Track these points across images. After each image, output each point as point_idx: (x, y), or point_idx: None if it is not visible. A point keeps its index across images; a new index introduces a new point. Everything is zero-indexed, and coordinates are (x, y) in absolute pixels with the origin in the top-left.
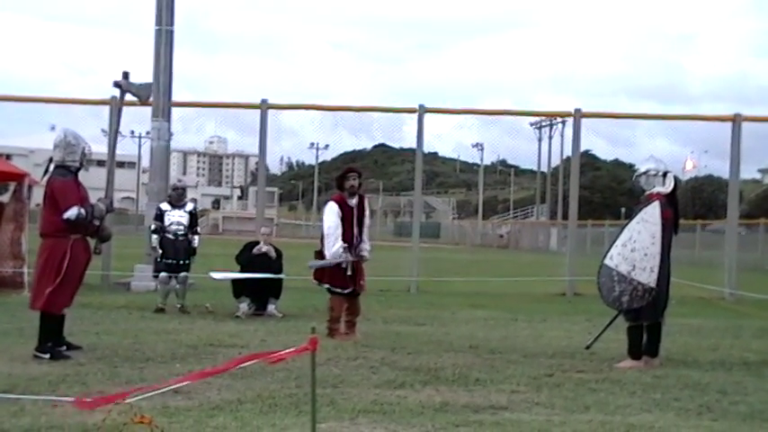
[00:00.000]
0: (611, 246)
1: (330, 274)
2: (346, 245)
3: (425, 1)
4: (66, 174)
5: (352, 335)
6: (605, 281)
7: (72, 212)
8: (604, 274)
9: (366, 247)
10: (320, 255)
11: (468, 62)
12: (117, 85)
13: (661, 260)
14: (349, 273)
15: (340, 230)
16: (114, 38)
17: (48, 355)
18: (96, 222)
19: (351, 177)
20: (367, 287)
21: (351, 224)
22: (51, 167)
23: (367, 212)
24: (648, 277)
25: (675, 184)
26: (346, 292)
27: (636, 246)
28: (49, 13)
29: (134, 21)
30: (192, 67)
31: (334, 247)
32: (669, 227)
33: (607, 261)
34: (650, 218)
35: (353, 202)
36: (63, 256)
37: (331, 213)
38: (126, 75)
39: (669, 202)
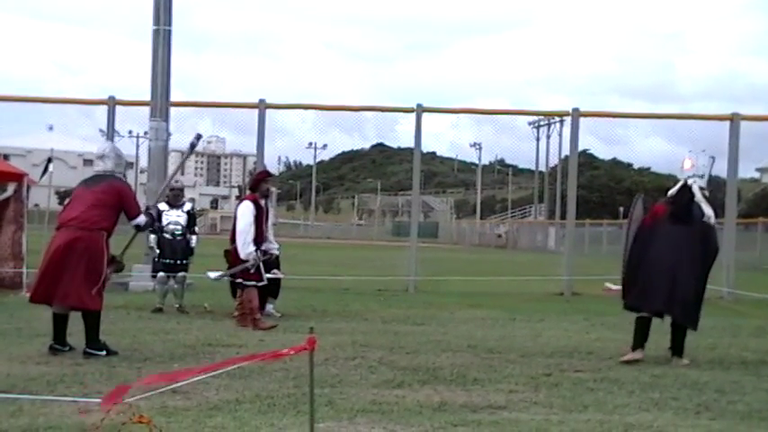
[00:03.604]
0: None
1: (243, 270)
2: (255, 247)
3: (417, 1)
4: (123, 181)
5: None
6: None
7: (141, 219)
8: None
9: (275, 245)
10: (233, 254)
11: (460, 62)
12: (192, 146)
13: (633, 248)
14: (252, 270)
15: (253, 229)
16: (106, 37)
17: (104, 352)
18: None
19: (268, 180)
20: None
21: (261, 223)
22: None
23: (271, 212)
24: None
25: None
26: (261, 284)
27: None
28: (37, 12)
29: (126, 20)
30: (182, 66)
31: (248, 248)
32: (653, 219)
33: None
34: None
35: (263, 202)
36: (102, 252)
37: (248, 212)
38: (199, 136)
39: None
